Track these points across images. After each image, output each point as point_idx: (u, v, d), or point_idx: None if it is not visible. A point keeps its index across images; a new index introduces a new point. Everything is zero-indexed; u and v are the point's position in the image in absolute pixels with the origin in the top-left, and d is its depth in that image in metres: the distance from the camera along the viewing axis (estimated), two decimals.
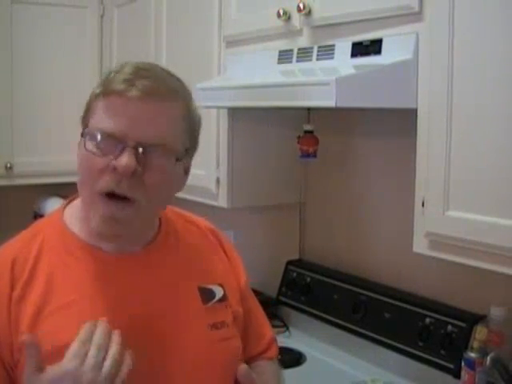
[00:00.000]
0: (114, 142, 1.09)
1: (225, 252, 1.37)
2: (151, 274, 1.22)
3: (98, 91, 1.13)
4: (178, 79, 1.19)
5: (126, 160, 1.07)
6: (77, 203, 1.24)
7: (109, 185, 1.09)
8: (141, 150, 1.08)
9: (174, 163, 1.13)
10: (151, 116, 1.10)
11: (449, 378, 1.84)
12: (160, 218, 1.28)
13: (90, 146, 1.11)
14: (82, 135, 1.13)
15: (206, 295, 1.25)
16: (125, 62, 1.16)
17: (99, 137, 1.10)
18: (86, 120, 1.15)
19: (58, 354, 1.07)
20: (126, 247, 1.21)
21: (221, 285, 1.28)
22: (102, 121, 1.10)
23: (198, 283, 1.25)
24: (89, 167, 1.11)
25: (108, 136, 1.09)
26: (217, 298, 1.26)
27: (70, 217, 1.23)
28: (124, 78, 1.10)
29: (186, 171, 1.22)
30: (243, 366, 1.22)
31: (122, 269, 1.19)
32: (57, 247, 1.19)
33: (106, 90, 1.11)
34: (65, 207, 1.26)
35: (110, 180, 1.09)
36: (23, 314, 1.12)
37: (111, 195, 1.10)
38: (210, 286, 1.27)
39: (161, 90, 1.11)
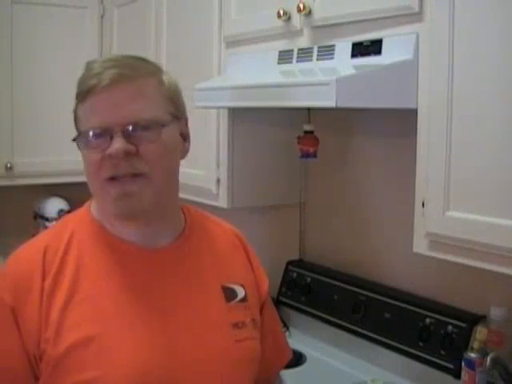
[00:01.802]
0: (102, 135, 1.16)
1: (249, 259, 1.39)
2: (176, 270, 1.24)
3: (75, 100, 1.21)
4: (145, 60, 1.26)
5: (116, 145, 1.14)
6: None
7: (109, 170, 1.15)
8: (130, 128, 1.15)
9: (161, 130, 1.18)
10: (125, 98, 1.16)
11: (449, 378, 1.84)
12: (185, 217, 1.32)
13: (83, 146, 1.18)
14: (75, 140, 1.20)
15: (229, 294, 1.28)
16: (89, 61, 1.23)
17: (88, 136, 1.17)
18: (77, 128, 1.22)
19: (81, 346, 1.11)
20: (153, 243, 1.24)
21: (242, 285, 1.31)
22: (86, 121, 1.18)
23: (221, 282, 1.28)
24: (90, 164, 1.18)
25: (96, 132, 1.16)
26: (239, 297, 1.29)
27: (97, 211, 1.26)
28: (93, 73, 1.17)
29: (185, 137, 1.28)
30: None
31: (148, 263, 1.22)
32: (85, 239, 1.23)
33: (80, 93, 1.19)
34: (90, 203, 1.29)
35: (109, 166, 1.15)
36: (54, 305, 1.14)
37: (115, 178, 1.16)
38: (233, 286, 1.29)
39: (127, 73, 1.18)
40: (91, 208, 1.28)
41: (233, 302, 1.27)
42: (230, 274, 1.31)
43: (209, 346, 1.20)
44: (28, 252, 1.22)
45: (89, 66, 1.20)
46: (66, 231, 1.23)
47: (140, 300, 1.18)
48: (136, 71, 1.19)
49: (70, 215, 1.34)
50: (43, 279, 1.16)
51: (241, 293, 1.29)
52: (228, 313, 1.25)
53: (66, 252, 1.20)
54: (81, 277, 1.18)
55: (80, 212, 1.30)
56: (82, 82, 1.19)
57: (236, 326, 1.24)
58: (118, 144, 1.14)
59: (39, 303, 1.14)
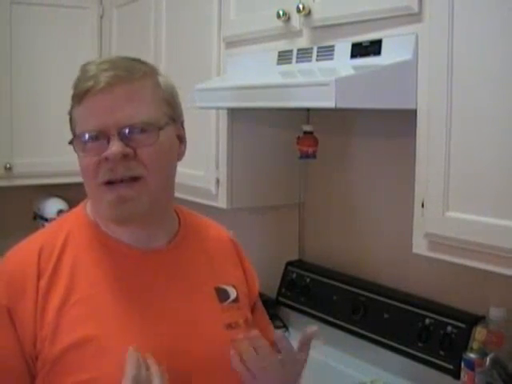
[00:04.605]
0: (98, 137, 1.15)
1: (240, 260, 1.40)
2: (172, 271, 1.25)
3: (71, 103, 1.20)
4: (141, 61, 1.25)
5: (113, 148, 1.13)
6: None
7: (105, 174, 1.15)
8: (127, 130, 1.14)
9: (159, 133, 1.18)
10: (122, 100, 1.16)
11: (448, 378, 1.84)
12: (179, 218, 1.32)
13: (80, 149, 1.17)
14: (71, 143, 1.19)
15: (222, 295, 1.28)
16: (84, 63, 1.22)
17: (85, 139, 1.16)
18: (73, 130, 1.21)
19: (79, 346, 1.11)
20: (148, 244, 1.24)
21: (234, 286, 1.31)
22: (82, 123, 1.17)
23: (215, 283, 1.29)
24: (86, 167, 1.17)
25: (92, 135, 1.15)
26: (231, 298, 1.29)
27: (92, 212, 1.26)
28: (90, 75, 1.17)
29: (181, 139, 1.27)
30: (278, 333, 1.28)
31: (144, 264, 1.23)
32: (81, 239, 1.22)
33: (77, 95, 1.18)
34: (86, 203, 1.29)
35: (105, 170, 1.15)
36: (49, 305, 1.14)
37: (112, 182, 1.15)
38: (225, 287, 1.30)
39: (124, 75, 1.17)
40: (87, 208, 1.27)
41: (226, 303, 1.27)
42: (223, 275, 1.32)
43: (204, 346, 1.20)
44: (23, 252, 1.21)
45: (84, 68, 1.20)
46: (61, 231, 1.23)
47: (136, 301, 1.18)
48: (132, 73, 1.18)
49: (66, 215, 1.33)
50: (38, 279, 1.16)
51: (233, 294, 1.30)
52: (222, 314, 1.26)
53: (61, 252, 1.19)
54: (77, 277, 1.17)
55: (76, 212, 1.29)
56: (78, 84, 1.18)
57: (230, 326, 1.25)
58: (116, 147, 1.13)
59: (34, 303, 1.14)
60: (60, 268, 1.18)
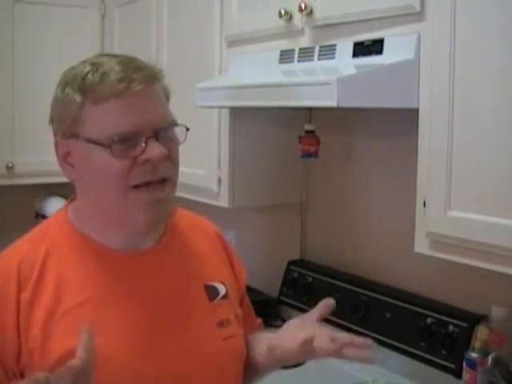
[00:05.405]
0: (133, 139, 1.10)
1: (227, 254, 1.39)
2: (160, 272, 1.23)
3: (79, 99, 1.13)
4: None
5: (158, 150, 1.10)
6: (79, 204, 1.24)
7: (144, 176, 1.11)
8: (164, 131, 1.13)
9: (186, 132, 1.18)
10: (153, 101, 1.14)
11: (450, 377, 1.84)
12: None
13: (116, 153, 1.11)
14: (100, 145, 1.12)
15: (211, 293, 1.27)
16: (93, 59, 1.16)
17: (119, 140, 1.10)
18: (71, 130, 1.17)
19: (72, 356, 1.06)
20: (137, 246, 1.22)
21: (223, 282, 1.30)
22: (113, 124, 1.10)
23: (203, 281, 1.27)
24: (115, 171, 1.11)
25: (127, 136, 1.10)
26: (220, 295, 1.28)
27: (76, 216, 1.22)
28: (118, 78, 1.10)
29: None
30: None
31: (132, 267, 1.20)
32: (65, 247, 1.18)
33: (97, 96, 1.11)
34: (67, 207, 1.26)
35: (144, 171, 1.11)
36: (35, 318, 1.10)
37: (144, 185, 1.12)
38: (214, 283, 1.28)
39: (151, 75, 1.15)
40: (69, 214, 1.23)
41: (215, 301, 1.26)
42: (211, 272, 1.30)
43: (197, 347, 1.19)
44: (1, 265, 1.17)
45: (98, 66, 1.13)
46: (42, 240, 1.19)
47: (128, 305, 1.16)
48: (154, 73, 1.16)
49: (46, 222, 1.28)
50: (19, 292, 1.11)
51: (222, 290, 1.28)
52: (212, 312, 1.24)
53: (44, 262, 1.15)
54: (64, 286, 1.14)
55: (57, 218, 1.25)
56: (96, 85, 1.11)
57: (221, 324, 1.24)
58: (159, 148, 1.10)
59: (16, 317, 1.10)
60: (44, 278, 1.13)
